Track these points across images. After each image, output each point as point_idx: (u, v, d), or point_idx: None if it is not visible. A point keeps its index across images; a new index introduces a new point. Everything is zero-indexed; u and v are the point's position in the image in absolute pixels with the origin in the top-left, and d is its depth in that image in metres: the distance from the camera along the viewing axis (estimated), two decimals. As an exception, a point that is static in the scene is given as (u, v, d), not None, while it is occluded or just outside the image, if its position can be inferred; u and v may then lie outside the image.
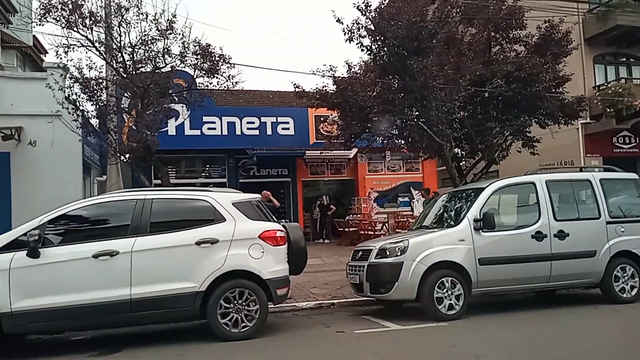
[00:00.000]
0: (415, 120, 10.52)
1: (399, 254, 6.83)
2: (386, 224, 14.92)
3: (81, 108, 9.98)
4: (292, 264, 6.63)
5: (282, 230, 6.49)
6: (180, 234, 6.00)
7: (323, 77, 10.63)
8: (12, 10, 27.73)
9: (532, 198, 7.53)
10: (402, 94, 10.24)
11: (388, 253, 6.93)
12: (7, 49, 29.99)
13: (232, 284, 5.98)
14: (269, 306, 6.32)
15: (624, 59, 18.82)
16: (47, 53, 25.86)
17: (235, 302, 5.95)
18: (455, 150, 11.39)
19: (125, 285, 5.69)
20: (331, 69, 10.60)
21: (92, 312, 5.59)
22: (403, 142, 11.71)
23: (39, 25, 9.73)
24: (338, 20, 10.32)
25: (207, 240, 5.99)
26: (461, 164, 12.27)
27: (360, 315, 7.44)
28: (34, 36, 28.37)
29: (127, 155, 10.60)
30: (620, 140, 17.79)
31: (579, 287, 8.03)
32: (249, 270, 6.06)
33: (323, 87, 11.13)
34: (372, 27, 10.03)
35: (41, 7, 9.54)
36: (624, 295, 7.37)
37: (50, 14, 9.41)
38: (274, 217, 6.87)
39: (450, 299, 6.71)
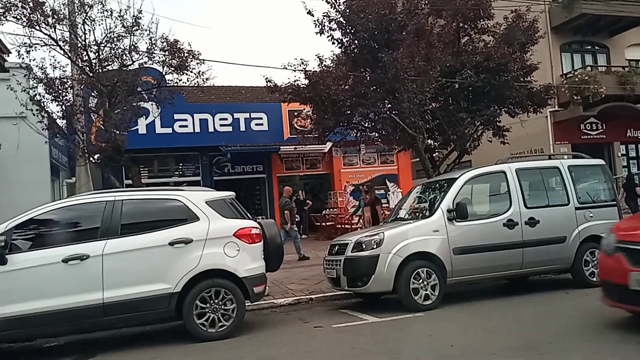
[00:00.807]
0: (387, 112, 10.57)
1: (374, 246, 6.87)
2: (362, 217, 14.98)
3: (46, 109, 9.72)
4: (269, 261, 6.59)
5: (257, 228, 6.44)
6: (152, 234, 5.90)
7: (295, 71, 10.59)
8: (-29, 9, 26.65)
9: (503, 187, 7.66)
10: (374, 87, 10.28)
11: (364, 246, 6.97)
12: (-34, 49, 28.93)
13: (207, 284, 5.92)
14: (246, 304, 6.28)
15: (590, 47, 19.31)
16: (10, 53, 25.09)
17: (212, 301, 5.89)
18: (428, 141, 11.50)
19: (97, 289, 5.57)
20: (302, 63, 10.56)
21: (64, 317, 5.46)
22: (376, 134, 11.76)
23: (-1, 24, 9.42)
24: (309, 13, 10.28)
25: (181, 240, 5.90)
26: (434, 155, 12.40)
27: (338, 309, 7.46)
28: (-5, 35, 27.45)
29: (96, 156, 10.37)
30: (588, 127, 18.27)
31: (550, 273, 8.21)
32: (225, 269, 6.00)
33: (295, 81, 11.09)
34: (342, 20, 10.02)
35: (0, 5, 9.22)
36: (594, 279, 7.54)
37: (10, 12, 9.10)
38: (248, 214, 6.81)
39: (426, 290, 6.79)
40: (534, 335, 5.28)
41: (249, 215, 6.83)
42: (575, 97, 16.96)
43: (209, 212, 6.17)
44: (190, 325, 5.83)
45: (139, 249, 5.79)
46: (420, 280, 6.79)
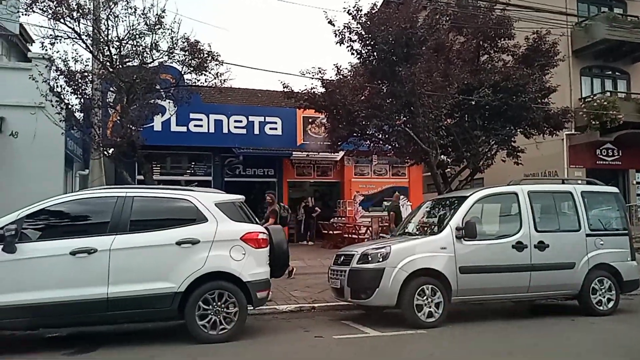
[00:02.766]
0: (402, 125, 10.56)
1: (380, 260, 6.83)
2: (370, 228, 14.94)
3: (65, 101, 9.84)
4: (274, 267, 6.59)
5: (264, 233, 6.45)
6: (160, 233, 5.92)
7: (312, 79, 10.63)
8: (-2, -2, 27.21)
9: (514, 208, 7.59)
10: (390, 99, 10.28)
11: (370, 259, 6.94)
12: (-8, 37, 29.49)
13: (211, 286, 5.92)
14: (250, 308, 6.27)
15: (610, 72, 19.14)
16: (34, 43, 25.48)
17: (214, 303, 5.89)
18: (441, 157, 11.46)
19: (103, 283, 5.60)
20: (320, 72, 10.61)
21: (68, 309, 5.49)
22: (390, 147, 11.74)
23: (25, 15, 9.59)
24: (330, 22, 10.32)
25: (188, 240, 5.92)
26: (446, 170, 12.34)
27: (340, 320, 7.42)
28: (20, 25, 27.96)
29: (111, 150, 10.46)
30: (604, 152, 18.07)
31: (557, 298, 8.11)
32: (230, 272, 6.00)
33: (312, 89, 11.12)
34: (362, 31, 10.05)
35: (27, -3, 9.38)
36: (601, 308, 7.46)
37: (37, 4, 9.25)
38: (256, 219, 6.82)
39: (430, 307, 6.74)
40: (537, 361, 5.21)
41: (257, 219, 6.84)
42: (593, 122, 16.80)
43: (217, 214, 6.19)
44: (192, 326, 5.84)
45: (146, 247, 5.81)
46: (425, 297, 6.74)
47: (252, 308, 6.33)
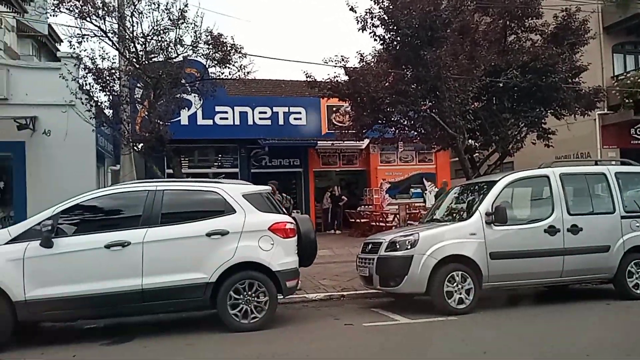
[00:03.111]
0: (427, 111, 10.42)
1: (409, 247, 6.80)
2: (397, 216, 14.87)
3: (94, 98, 10.06)
4: (302, 256, 6.64)
5: (292, 222, 6.49)
6: (190, 225, 6.04)
7: (335, 67, 10.56)
8: (29, 0, 27.95)
9: (545, 191, 7.42)
10: (415, 85, 10.15)
11: (398, 246, 6.91)
12: (23, 38, 30.35)
13: (241, 276, 6.02)
14: (280, 297, 6.35)
15: (644, 49, 18.38)
16: (62, 42, 26.06)
17: (245, 293, 5.99)
18: (469, 141, 11.26)
19: (137, 275, 5.75)
20: (343, 59, 10.51)
21: (104, 301, 5.67)
22: (415, 133, 11.61)
23: (53, 15, 9.81)
24: (352, 9, 10.20)
25: (217, 231, 6.01)
26: (475, 155, 12.14)
27: (369, 307, 7.44)
28: (49, 25, 28.65)
29: (140, 145, 10.66)
30: (639, 131, 17.44)
31: (592, 282, 7.93)
32: (259, 262, 6.08)
33: (335, 77, 11.06)
34: (385, 16, 9.91)
35: (54, -3, 9.58)
36: (638, 292, 7.26)
37: (64, 4, 9.44)
38: (283, 209, 6.86)
39: (461, 293, 6.67)
40: (570, 347, 5.13)
41: (283, 209, 6.88)
42: (627, 100, 16.19)
43: (245, 205, 6.26)
44: (224, 315, 5.95)
45: (177, 239, 5.94)
46: (455, 284, 6.68)
47: (282, 297, 6.40)
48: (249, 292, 6.00)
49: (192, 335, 6.03)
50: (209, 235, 5.99)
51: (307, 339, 5.82)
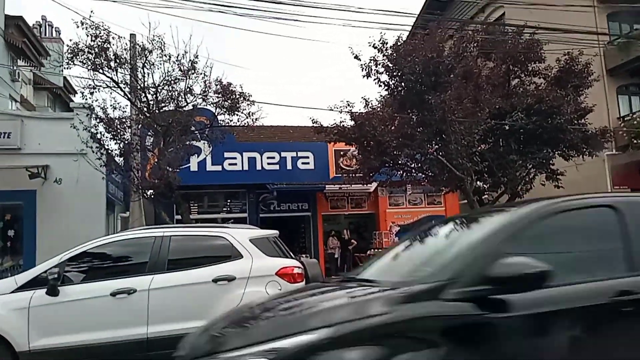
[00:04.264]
0: (434, 154, 10.47)
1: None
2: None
3: (105, 146, 10.25)
4: (310, 302, 6.51)
5: (299, 267, 6.40)
6: (197, 271, 5.97)
7: (340, 112, 10.73)
8: (45, 54, 29.10)
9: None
10: (420, 128, 10.25)
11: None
12: (39, 90, 31.36)
13: (248, 323, 5.88)
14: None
15: (648, 90, 18.54)
16: (77, 94, 26.88)
17: (252, 342, 5.83)
18: (477, 183, 11.23)
19: (142, 323, 5.65)
20: (348, 105, 10.71)
21: (110, 350, 5.54)
22: (423, 175, 11.62)
23: (67, 68, 10.18)
24: (356, 57, 10.46)
25: (224, 277, 5.94)
26: (483, 197, 12.07)
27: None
28: (64, 78, 29.65)
29: (149, 192, 10.76)
30: (649, 171, 17.31)
31: None
32: (266, 308, 5.96)
33: (341, 122, 11.22)
34: (389, 63, 10.15)
35: (69, 51, 9.97)
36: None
37: (78, 57, 9.79)
38: (290, 254, 6.80)
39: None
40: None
41: (291, 254, 6.82)
42: (635, 141, 16.20)
43: (252, 250, 6.21)
44: (231, 365, 5.78)
45: (183, 285, 5.85)
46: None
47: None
48: (256, 341, 5.85)
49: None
50: (215, 281, 5.91)
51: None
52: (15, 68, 26.27)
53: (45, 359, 5.42)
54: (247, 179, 17.16)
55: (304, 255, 12.56)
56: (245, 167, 17.15)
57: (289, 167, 17.45)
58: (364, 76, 10.28)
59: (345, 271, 17.96)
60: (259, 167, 17.24)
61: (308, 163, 17.65)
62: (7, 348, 5.32)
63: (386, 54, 10.05)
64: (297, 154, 17.62)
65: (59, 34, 34.50)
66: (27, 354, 5.35)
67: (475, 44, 10.71)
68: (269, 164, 17.36)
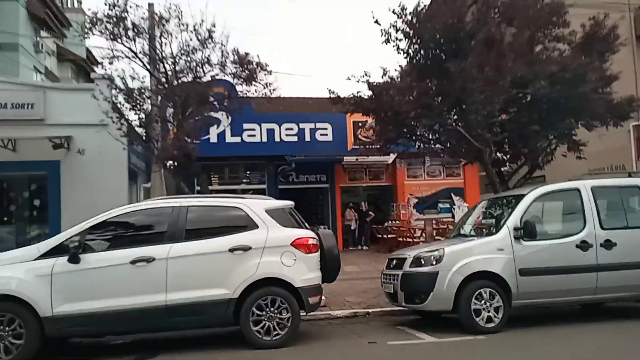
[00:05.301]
0: (453, 124, 10.27)
1: (434, 263, 6.66)
2: (424, 231, 14.65)
3: (125, 117, 10.35)
4: (325, 272, 6.59)
5: (314, 238, 6.46)
6: (214, 240, 6.08)
7: (358, 82, 10.54)
8: (67, 24, 29.20)
9: (577, 205, 7.16)
10: (439, 98, 10.03)
11: (423, 262, 6.78)
12: (62, 62, 31.67)
13: (264, 292, 6.00)
14: (303, 314, 6.30)
15: (682, 56, 17.72)
16: (99, 65, 27.14)
17: (268, 309, 5.97)
18: (497, 154, 11.02)
19: (161, 291, 5.81)
20: (365, 74, 10.51)
21: (130, 317, 5.74)
22: (441, 147, 11.45)
23: (86, 37, 10.22)
24: (376, 22, 10.18)
25: (240, 247, 6.04)
26: (503, 169, 11.86)
27: (395, 325, 7.30)
28: (87, 49, 29.85)
29: (169, 163, 10.88)
30: (677, 142, 16.72)
31: (629, 300, 7.57)
32: (281, 278, 6.06)
33: (358, 92, 11.06)
34: (408, 29, 9.88)
35: (88, 21, 9.98)
36: (680, 310, 6.83)
37: (96, 27, 9.80)
38: (306, 224, 6.85)
39: (489, 311, 6.48)
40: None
41: (307, 225, 6.87)
42: (664, 110, 15.62)
43: (268, 220, 6.28)
44: (247, 332, 5.93)
45: (201, 254, 5.98)
46: (483, 301, 6.49)
47: (304, 314, 6.34)
48: (272, 309, 5.98)
49: (214, 351, 6.04)
50: (231, 250, 6.02)
51: (328, 356, 5.74)
52: (38, 39, 26.56)
53: (68, 324, 5.64)
54: (266, 150, 17.26)
55: (321, 227, 12.61)
56: (264, 139, 17.23)
57: (307, 138, 17.46)
58: (383, 42, 10.03)
59: (363, 243, 18.06)
60: (277, 139, 17.30)
61: (326, 134, 17.62)
62: (31, 314, 5.54)
63: (406, 20, 9.77)
64: (315, 125, 17.58)
65: (81, 4, 34.54)
66: (51, 319, 5.57)
67: (496, 9, 10.32)
68: (287, 135, 17.39)
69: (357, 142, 17.32)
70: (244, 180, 18.85)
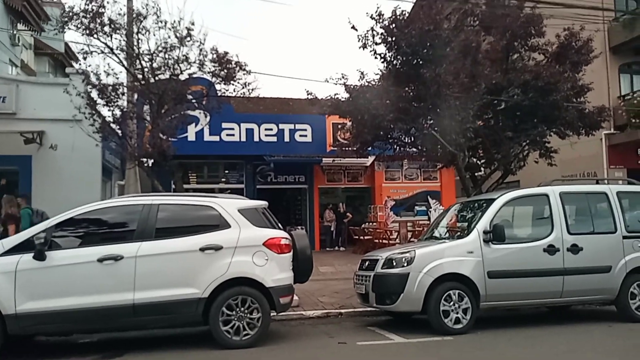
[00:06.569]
0: (428, 128, 10.40)
1: (405, 264, 6.73)
2: (399, 233, 14.78)
3: (99, 113, 10.20)
4: (298, 273, 6.60)
5: (287, 238, 6.46)
6: (184, 239, 6.03)
7: (335, 84, 10.62)
8: (45, 18, 28.66)
9: (545, 210, 7.33)
10: (415, 103, 10.15)
11: (394, 263, 6.85)
12: (40, 56, 31.02)
13: (235, 291, 5.97)
14: (274, 314, 6.29)
15: (651, 69, 18.28)
16: (78, 60, 26.64)
17: (238, 309, 5.94)
18: (472, 159, 11.20)
19: (129, 289, 5.73)
20: (343, 77, 10.58)
21: (96, 315, 5.65)
22: (416, 150, 11.59)
23: (61, 32, 10.03)
24: (353, 28, 10.27)
25: (211, 246, 6.00)
26: (477, 173, 12.06)
27: (366, 325, 7.35)
28: (65, 44, 29.29)
29: (145, 160, 10.76)
30: (646, 151, 17.23)
31: (594, 304, 7.76)
32: (253, 277, 6.04)
33: (335, 95, 11.11)
34: (385, 35, 9.98)
35: (63, 15, 9.82)
36: (641, 314, 7.05)
37: (72, 21, 9.65)
38: (279, 225, 6.85)
39: (457, 313, 6.58)
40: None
41: (279, 225, 6.87)
42: (634, 120, 16.08)
43: (240, 220, 6.25)
44: (216, 332, 5.90)
45: (170, 253, 5.92)
46: (452, 303, 6.58)
47: (275, 314, 6.34)
48: (242, 309, 5.95)
49: (182, 351, 6.00)
50: (202, 250, 5.97)
51: (297, 356, 5.75)
52: (15, 32, 25.95)
53: (31, 322, 5.52)
54: (245, 150, 17.17)
55: (298, 227, 12.62)
56: (243, 138, 17.14)
57: (287, 139, 17.43)
58: (360, 47, 10.12)
59: (340, 243, 18.14)
60: (256, 139, 17.24)
61: (306, 135, 17.62)
62: (-7, 310, 5.41)
63: (383, 25, 9.87)
64: (295, 126, 17.57)
65: (59, -2, 33.93)
66: (14, 317, 5.45)
67: (475, 18, 10.50)
68: (266, 135, 17.34)
69: (336, 143, 17.38)
70: (222, 180, 18.73)
